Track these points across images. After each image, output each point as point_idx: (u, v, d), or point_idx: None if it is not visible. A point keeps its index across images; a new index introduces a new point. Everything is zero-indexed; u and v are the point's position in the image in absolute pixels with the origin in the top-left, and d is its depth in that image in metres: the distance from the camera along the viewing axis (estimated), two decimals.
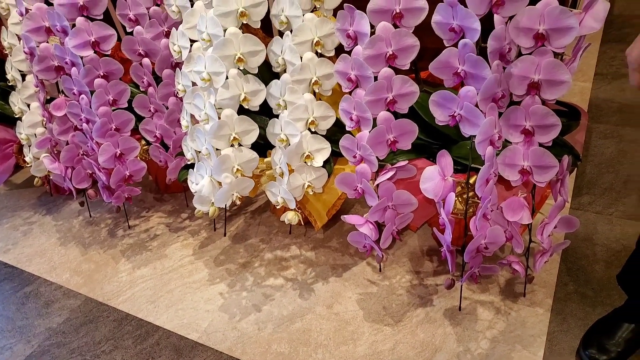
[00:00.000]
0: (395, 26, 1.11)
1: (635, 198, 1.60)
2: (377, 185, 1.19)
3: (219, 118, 1.21)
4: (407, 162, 1.17)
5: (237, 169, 1.26)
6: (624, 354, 1.16)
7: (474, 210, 1.18)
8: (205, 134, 1.24)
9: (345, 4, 1.14)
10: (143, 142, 1.63)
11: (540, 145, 1.04)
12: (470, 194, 1.23)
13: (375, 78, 1.12)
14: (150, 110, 1.51)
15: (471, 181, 1.27)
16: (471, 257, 1.09)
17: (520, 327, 1.25)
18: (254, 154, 1.27)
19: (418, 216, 1.29)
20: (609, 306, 1.27)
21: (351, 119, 1.18)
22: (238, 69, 1.21)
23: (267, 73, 1.37)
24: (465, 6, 0.99)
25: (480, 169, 1.21)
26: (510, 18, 1.02)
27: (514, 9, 1.00)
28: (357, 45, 1.17)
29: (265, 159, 1.45)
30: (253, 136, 1.26)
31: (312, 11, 1.27)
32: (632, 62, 0.86)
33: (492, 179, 1.05)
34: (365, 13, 1.13)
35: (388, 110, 1.14)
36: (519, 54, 1.05)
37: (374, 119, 1.15)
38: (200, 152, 1.34)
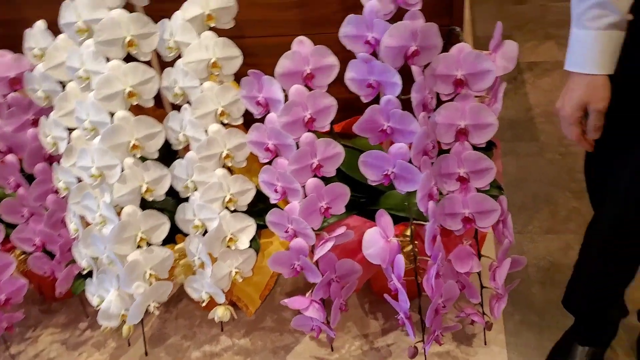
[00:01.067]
0: (308, 87, 1.03)
1: (546, 211, 1.67)
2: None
3: (119, 218, 1.02)
4: (344, 227, 1.08)
5: (151, 274, 1.06)
6: None
7: (420, 266, 1.12)
8: (104, 240, 1.04)
9: (250, 70, 1.04)
10: (18, 251, 1.34)
11: (478, 190, 1.01)
12: (409, 247, 1.17)
13: (296, 144, 1.02)
14: (23, 216, 1.25)
15: (408, 233, 1.22)
16: (432, 320, 1.01)
17: None
18: (168, 251, 1.09)
19: (360, 279, 1.20)
20: (557, 329, 1.27)
21: (276, 191, 1.07)
22: (134, 156, 1.04)
23: (165, 153, 1.20)
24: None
25: (409, 218, 1.16)
26: (426, 66, 0.99)
27: (429, 57, 0.97)
28: (269, 112, 1.06)
29: (177, 246, 1.27)
30: (163, 231, 1.08)
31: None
32: (566, 118, 0.86)
33: (438, 234, 0.99)
34: (272, 76, 1.04)
35: (315, 176, 1.05)
36: (438, 101, 1.03)
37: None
38: (99, 258, 1.12)
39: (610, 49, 0.80)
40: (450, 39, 1.03)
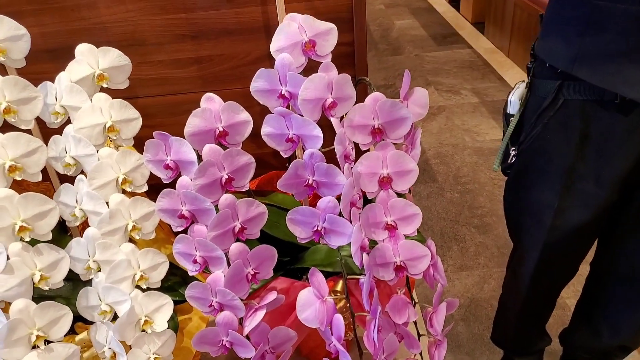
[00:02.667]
0: (222, 146, 0.96)
1: (456, 249, 1.73)
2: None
3: (7, 316, 0.84)
4: (275, 293, 1.00)
5: None
6: None
7: (352, 321, 1.07)
8: None
9: (155, 132, 0.95)
10: None
11: (406, 237, 1.00)
12: (342, 303, 1.12)
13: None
14: None
15: (338, 288, 1.17)
16: None
17: None
18: (72, 347, 0.92)
19: (293, 345, 1.12)
20: None
21: (195, 262, 0.96)
22: (22, 240, 0.88)
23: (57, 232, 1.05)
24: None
25: (336, 273, 1.12)
26: (341, 118, 0.98)
27: (345, 108, 0.96)
28: (179, 175, 0.97)
29: (78, 337, 1.09)
30: (65, 325, 0.91)
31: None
32: None
33: (374, 287, 0.96)
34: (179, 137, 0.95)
35: (238, 240, 0.96)
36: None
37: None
38: None
39: None
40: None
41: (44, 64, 1.32)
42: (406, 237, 1.00)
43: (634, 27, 0.75)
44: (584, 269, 1.13)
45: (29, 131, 0.99)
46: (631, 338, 1.12)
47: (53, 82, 1.03)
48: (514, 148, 1.00)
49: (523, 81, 1.01)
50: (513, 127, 1.00)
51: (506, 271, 1.15)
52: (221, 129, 0.95)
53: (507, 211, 1.12)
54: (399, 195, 1.00)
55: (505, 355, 1.24)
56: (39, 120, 1.03)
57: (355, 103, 0.96)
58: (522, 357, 1.20)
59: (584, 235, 1.00)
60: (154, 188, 1.05)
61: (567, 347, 1.25)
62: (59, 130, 1.03)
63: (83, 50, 1.03)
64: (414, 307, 1.06)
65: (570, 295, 1.50)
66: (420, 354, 1.10)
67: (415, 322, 1.10)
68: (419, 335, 1.09)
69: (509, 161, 1.03)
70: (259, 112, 1.04)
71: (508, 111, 1.02)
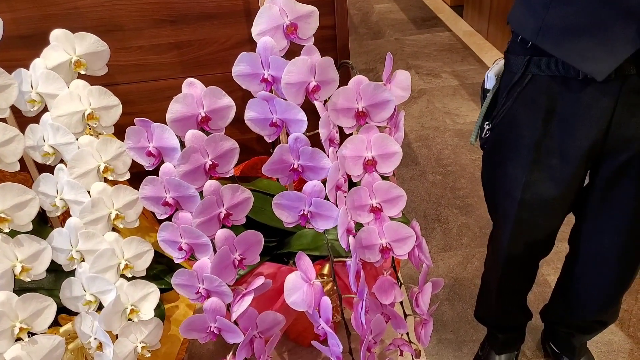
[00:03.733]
0: (204, 131, 0.95)
1: (439, 230, 1.75)
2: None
3: None
4: (262, 278, 1.00)
5: None
6: None
7: (339, 303, 1.08)
8: None
9: (136, 118, 0.93)
10: None
11: (391, 219, 1.01)
12: (329, 286, 1.13)
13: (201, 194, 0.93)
14: None
15: (325, 271, 1.18)
16: (366, 359, 0.97)
17: None
18: (57, 339, 0.91)
19: (281, 329, 1.12)
20: (473, 342, 1.31)
21: (180, 249, 0.96)
22: (1, 232, 0.86)
23: (38, 223, 1.03)
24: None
25: (323, 256, 1.13)
26: (325, 101, 0.98)
27: (329, 91, 0.96)
28: (162, 162, 0.96)
29: (62, 329, 1.08)
30: (48, 316, 0.90)
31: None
32: None
33: (361, 270, 0.96)
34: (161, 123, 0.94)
35: (224, 226, 0.96)
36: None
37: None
38: None
39: None
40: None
41: (17, 50, 1.29)
42: (391, 219, 1.00)
43: (597, 1, 0.76)
44: (566, 246, 1.15)
45: (4, 120, 0.96)
46: (604, 313, 1.15)
47: (28, 70, 1.00)
48: (487, 122, 1.02)
49: (502, 58, 1.02)
50: (488, 102, 1.02)
51: (487, 248, 1.17)
52: (203, 115, 0.94)
53: (484, 187, 1.14)
54: (384, 177, 1.00)
55: (489, 332, 1.27)
56: (14, 109, 1.00)
57: (338, 87, 0.95)
58: (505, 333, 1.23)
59: (552, 210, 1.02)
60: (137, 176, 1.04)
61: (547, 322, 1.29)
62: (36, 119, 1.01)
63: (58, 35, 1.00)
64: (400, 287, 1.07)
65: (550, 272, 1.53)
66: (407, 334, 1.12)
67: (401, 303, 1.11)
68: (405, 316, 1.11)
69: (483, 135, 1.05)
70: (242, 97, 1.04)
71: (485, 86, 1.03)
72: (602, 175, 0.96)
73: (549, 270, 1.53)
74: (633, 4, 0.74)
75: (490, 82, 1.03)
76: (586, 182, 1.03)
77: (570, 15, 0.79)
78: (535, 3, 0.84)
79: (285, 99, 0.92)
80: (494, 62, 1.05)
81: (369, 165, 0.98)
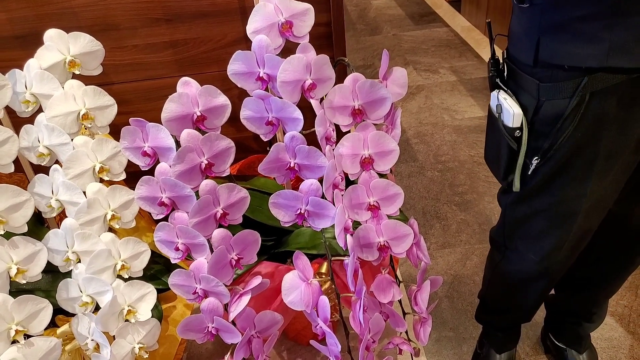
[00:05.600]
0: (200, 131, 0.95)
1: (438, 227, 1.74)
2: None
3: None
4: (259, 277, 0.99)
5: None
6: None
7: (337, 302, 1.07)
8: None
9: (131, 118, 0.92)
10: None
11: (389, 216, 1.00)
12: (327, 285, 1.12)
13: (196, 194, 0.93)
14: None
15: (323, 270, 1.17)
16: (365, 358, 0.97)
17: None
18: (53, 341, 0.90)
19: (279, 328, 1.12)
20: (472, 339, 1.31)
21: (177, 249, 0.95)
22: None
23: (34, 224, 1.02)
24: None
25: (320, 255, 1.12)
26: (322, 99, 0.97)
27: (325, 89, 0.95)
28: (157, 162, 0.95)
29: (59, 330, 1.07)
30: (45, 318, 0.89)
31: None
32: None
33: (359, 268, 0.96)
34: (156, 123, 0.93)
35: (220, 226, 0.95)
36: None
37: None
38: None
39: None
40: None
41: (11, 51, 1.28)
42: (389, 216, 1.00)
43: None
44: None
45: None
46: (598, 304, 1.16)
47: (22, 70, 0.99)
48: (536, 158, 0.92)
49: (503, 90, 0.91)
50: (527, 140, 0.92)
51: (490, 275, 1.12)
52: (199, 114, 0.94)
53: (509, 222, 1.04)
54: (381, 175, 1.00)
55: (489, 333, 1.27)
56: (8, 110, 1.00)
57: (335, 84, 0.95)
58: (505, 332, 1.22)
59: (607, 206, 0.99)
60: (132, 176, 1.03)
61: (554, 312, 1.27)
62: (30, 120, 1.00)
63: (52, 35, 1.00)
64: (399, 286, 1.06)
65: None
66: (406, 332, 1.11)
67: (400, 301, 1.11)
68: (404, 314, 1.10)
69: (528, 173, 0.96)
70: (237, 96, 1.03)
71: (507, 124, 0.90)
72: None
73: None
74: None
75: (516, 120, 0.89)
76: None
77: (637, 25, 0.76)
78: (590, 29, 0.78)
79: (281, 97, 0.91)
80: (496, 99, 0.92)
81: (366, 163, 0.97)
